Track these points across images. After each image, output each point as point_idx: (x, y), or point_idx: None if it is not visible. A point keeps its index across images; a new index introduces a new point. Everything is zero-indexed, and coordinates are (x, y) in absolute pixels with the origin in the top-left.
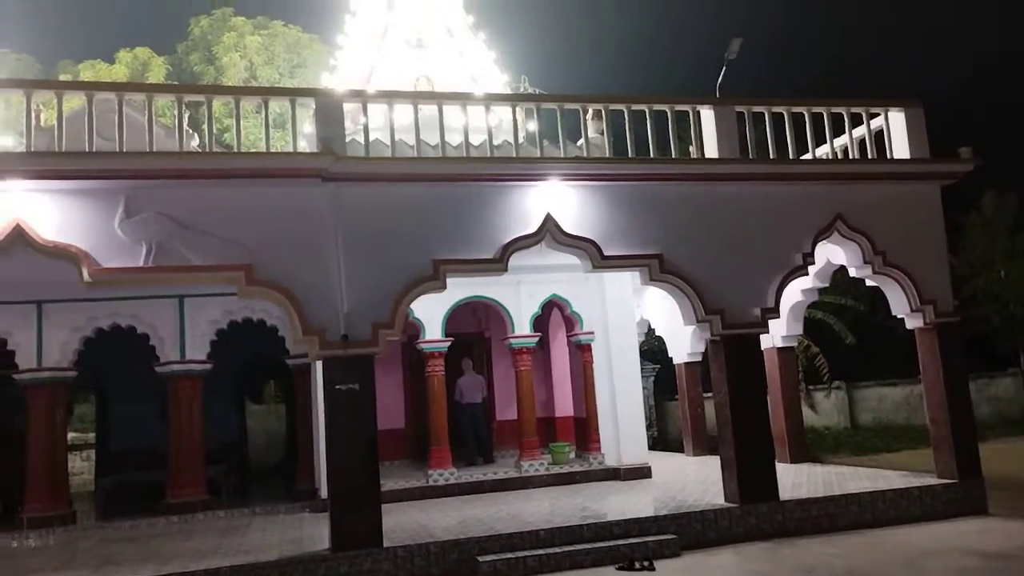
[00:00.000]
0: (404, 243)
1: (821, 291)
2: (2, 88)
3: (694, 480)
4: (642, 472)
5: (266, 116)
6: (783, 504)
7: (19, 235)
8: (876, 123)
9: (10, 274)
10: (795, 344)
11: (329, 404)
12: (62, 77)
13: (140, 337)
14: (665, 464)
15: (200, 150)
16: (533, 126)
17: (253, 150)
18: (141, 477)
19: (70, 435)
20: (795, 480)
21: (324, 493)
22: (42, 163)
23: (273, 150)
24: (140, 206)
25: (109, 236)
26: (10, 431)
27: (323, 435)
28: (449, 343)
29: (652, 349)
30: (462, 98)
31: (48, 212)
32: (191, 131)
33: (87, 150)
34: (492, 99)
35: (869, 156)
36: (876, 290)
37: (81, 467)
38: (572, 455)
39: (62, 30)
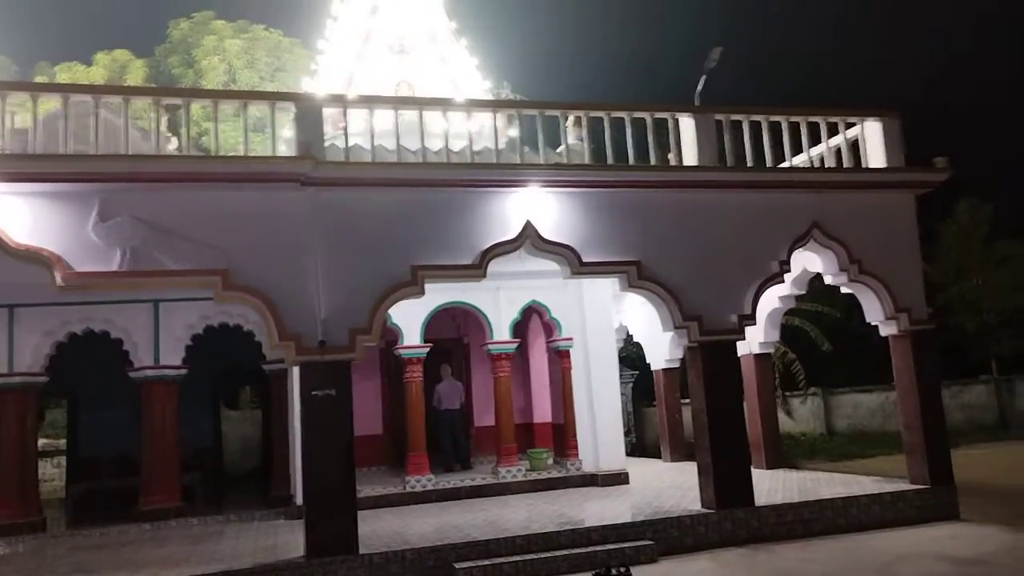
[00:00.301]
0: (383, 248)
1: (798, 298)
2: None
3: (671, 486)
4: (620, 478)
5: (244, 120)
6: (759, 510)
7: None
8: (852, 132)
9: None
10: (772, 351)
11: (305, 410)
12: (39, 78)
13: (114, 342)
14: (643, 470)
15: (178, 153)
16: (514, 132)
17: (232, 154)
18: (113, 484)
19: (41, 441)
20: (771, 486)
21: (299, 500)
22: (15, 165)
23: (252, 154)
24: (115, 209)
25: (83, 240)
26: None
27: (299, 441)
28: (428, 349)
29: (631, 355)
30: (443, 104)
31: (21, 215)
32: (169, 134)
33: (61, 152)
34: (473, 105)
35: (845, 165)
36: (852, 297)
37: (52, 473)
38: (550, 461)
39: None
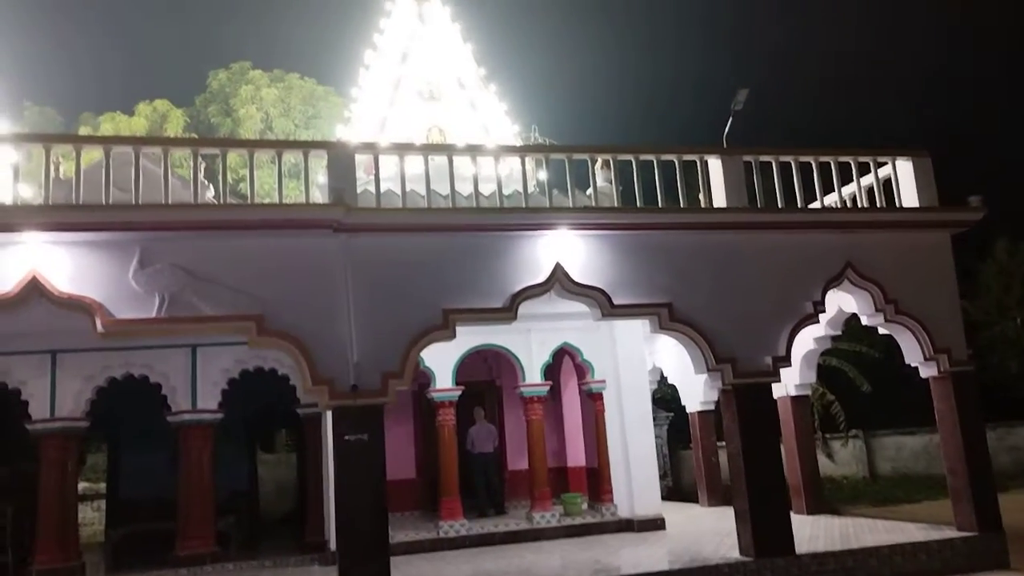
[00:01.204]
0: (414, 292)
1: (835, 338)
2: (24, 142)
3: (709, 532)
4: (656, 524)
5: (279, 168)
6: (799, 558)
7: (35, 286)
8: (884, 172)
9: (26, 324)
10: (809, 392)
11: (338, 454)
12: (83, 129)
13: (152, 386)
14: (679, 515)
15: (215, 201)
16: (543, 175)
17: (267, 201)
18: (151, 528)
19: (81, 485)
20: (812, 532)
21: (333, 545)
22: (59, 215)
23: (287, 200)
24: (154, 257)
25: (123, 287)
26: (23, 481)
27: (333, 485)
28: (460, 392)
29: (665, 397)
30: (472, 150)
31: (63, 263)
32: (206, 182)
33: (104, 203)
34: (502, 150)
35: (877, 205)
36: (891, 336)
37: (92, 517)
38: (585, 506)
39: (84, 83)
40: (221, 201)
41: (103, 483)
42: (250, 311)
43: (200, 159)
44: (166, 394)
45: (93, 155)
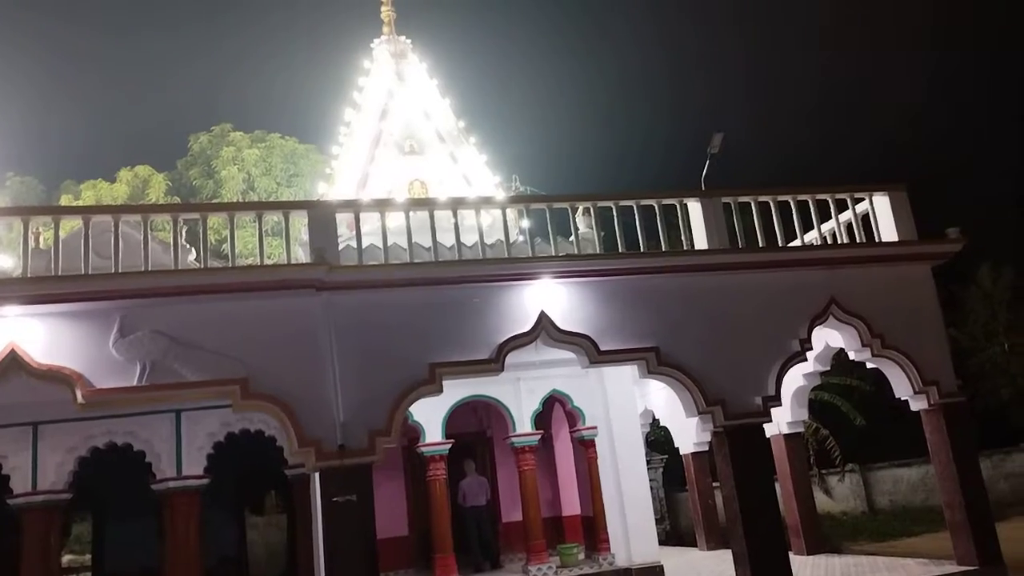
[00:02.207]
0: (399, 348)
1: (825, 373)
2: (2, 215)
3: None
4: (654, 572)
5: (260, 229)
6: None
7: (13, 360)
8: (862, 207)
9: (5, 397)
10: (802, 429)
11: (327, 516)
12: (64, 197)
13: (136, 454)
14: (678, 560)
15: (197, 264)
16: (525, 223)
17: (248, 262)
18: None
19: (66, 557)
20: (812, 573)
21: None
22: (38, 287)
23: (269, 259)
24: (135, 324)
25: (103, 356)
26: (5, 555)
27: (323, 547)
28: (450, 445)
29: (659, 439)
30: (453, 204)
31: (42, 335)
32: (188, 245)
33: (83, 272)
34: (483, 203)
35: (857, 240)
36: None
37: None
38: (581, 556)
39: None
40: (203, 264)
41: (88, 555)
42: (234, 375)
43: (181, 223)
44: (151, 461)
45: (73, 223)
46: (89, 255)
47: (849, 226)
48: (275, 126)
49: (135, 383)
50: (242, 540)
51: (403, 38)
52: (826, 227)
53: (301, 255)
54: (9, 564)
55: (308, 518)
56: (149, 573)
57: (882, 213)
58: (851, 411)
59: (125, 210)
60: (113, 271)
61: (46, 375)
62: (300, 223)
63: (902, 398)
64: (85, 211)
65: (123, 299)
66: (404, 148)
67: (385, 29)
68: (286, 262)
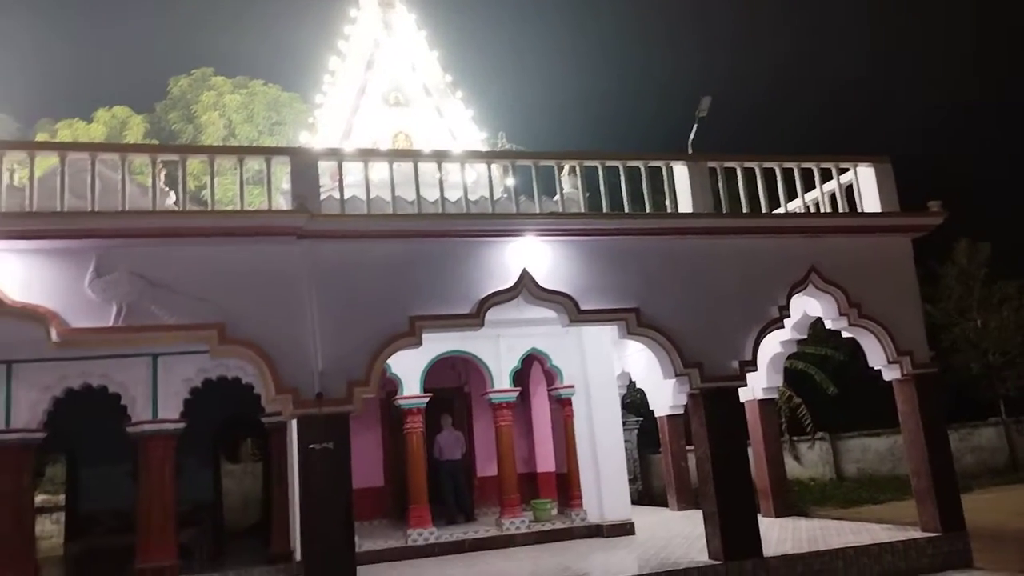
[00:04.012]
0: (379, 300)
1: (801, 342)
2: None
3: (678, 536)
4: (625, 528)
5: (241, 175)
6: (767, 560)
7: None
8: (846, 178)
9: None
10: (776, 396)
11: (304, 464)
12: (40, 135)
13: (111, 396)
14: (649, 519)
15: (176, 208)
16: (510, 181)
17: (228, 207)
18: (111, 541)
19: (40, 497)
20: (780, 535)
21: (299, 555)
22: (12, 223)
23: (249, 207)
24: (112, 264)
25: (79, 296)
26: None
27: (299, 495)
28: (428, 399)
29: (635, 402)
30: (438, 156)
31: (17, 272)
32: (167, 189)
33: (59, 210)
34: (468, 157)
35: (840, 210)
36: (856, 340)
37: (51, 530)
38: (554, 512)
39: (42, 89)
40: (182, 208)
41: (62, 495)
42: (211, 319)
43: (160, 165)
44: (126, 404)
45: (49, 162)
46: (65, 193)
47: (833, 196)
48: (258, 73)
49: (111, 324)
50: (217, 487)
51: None
52: (810, 196)
53: (282, 204)
54: None
55: (284, 466)
56: (122, 516)
57: (866, 184)
58: (824, 380)
59: (103, 148)
60: (90, 210)
61: (20, 313)
62: (282, 172)
63: (876, 367)
64: (61, 147)
65: (100, 238)
66: (389, 100)
67: None
68: (267, 209)
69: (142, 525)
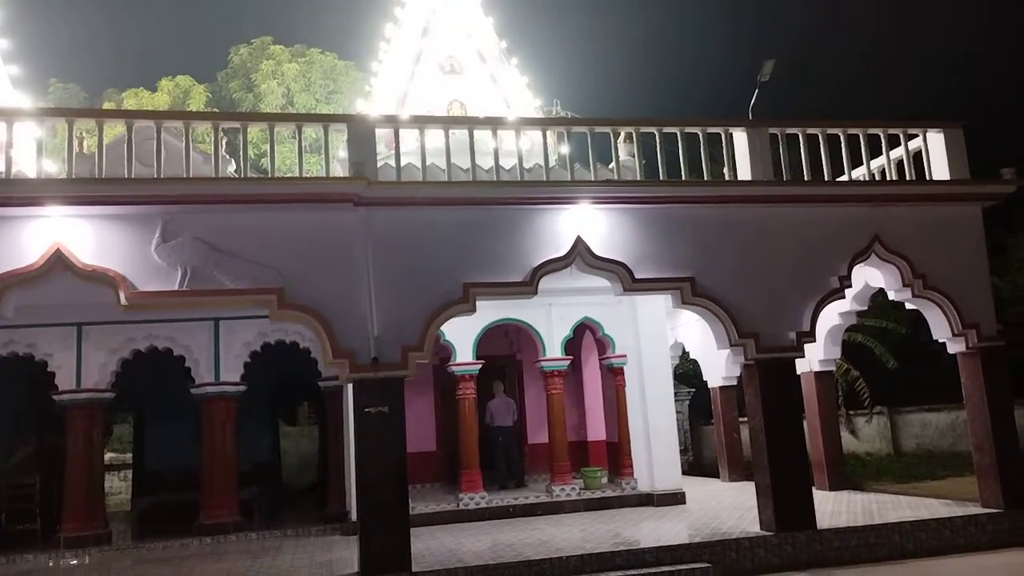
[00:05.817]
0: (434, 266)
1: (860, 314)
2: (47, 116)
3: (729, 507)
4: (676, 498)
5: (299, 142)
6: (821, 533)
7: (59, 259)
8: (914, 144)
9: (51, 297)
10: (833, 368)
11: (359, 427)
12: (106, 105)
13: (176, 359)
14: (700, 490)
15: (236, 175)
16: (565, 149)
17: (287, 175)
18: (176, 497)
19: (108, 455)
20: (834, 508)
21: (355, 515)
22: (82, 189)
23: (307, 174)
24: (176, 230)
25: (146, 260)
26: (50, 451)
27: (354, 457)
28: (480, 366)
29: (687, 372)
30: (493, 123)
31: (87, 237)
32: (228, 156)
33: (126, 176)
34: (523, 124)
35: (907, 178)
36: (918, 312)
37: (118, 487)
38: (604, 480)
39: (108, 60)
40: (242, 175)
41: (129, 454)
42: (271, 284)
43: (221, 133)
44: (189, 366)
45: (116, 130)
46: (132, 159)
47: (899, 163)
48: (315, 41)
49: (176, 287)
50: (276, 448)
51: None
52: (875, 164)
53: (339, 172)
54: (55, 459)
55: (340, 429)
56: (187, 474)
57: (935, 151)
58: (884, 354)
59: (167, 116)
60: (155, 176)
61: (91, 275)
62: (339, 140)
63: (940, 340)
64: (128, 115)
65: (165, 204)
66: (445, 67)
67: None
68: (325, 176)
69: (205, 483)
